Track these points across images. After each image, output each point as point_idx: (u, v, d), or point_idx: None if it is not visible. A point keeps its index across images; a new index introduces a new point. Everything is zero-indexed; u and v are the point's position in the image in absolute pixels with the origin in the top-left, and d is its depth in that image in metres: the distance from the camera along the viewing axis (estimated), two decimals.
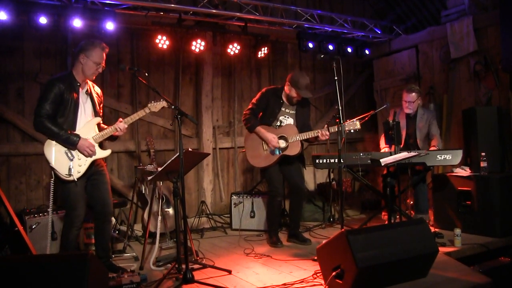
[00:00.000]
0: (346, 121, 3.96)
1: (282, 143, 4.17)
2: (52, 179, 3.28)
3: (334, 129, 3.98)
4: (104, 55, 3.41)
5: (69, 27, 4.26)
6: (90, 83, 3.48)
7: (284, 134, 4.18)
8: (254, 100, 4.34)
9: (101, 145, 3.48)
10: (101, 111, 3.61)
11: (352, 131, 4.00)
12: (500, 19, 4.81)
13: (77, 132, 3.29)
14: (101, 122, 3.50)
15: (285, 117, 4.29)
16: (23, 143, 4.62)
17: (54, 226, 4.08)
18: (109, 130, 3.40)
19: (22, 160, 4.65)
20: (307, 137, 4.10)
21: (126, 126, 3.43)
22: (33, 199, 4.68)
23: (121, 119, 3.47)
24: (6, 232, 3.81)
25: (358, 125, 3.99)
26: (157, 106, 3.48)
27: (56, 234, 4.08)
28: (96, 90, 3.56)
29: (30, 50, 4.70)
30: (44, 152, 3.23)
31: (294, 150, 4.17)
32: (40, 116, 3.18)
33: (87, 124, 3.37)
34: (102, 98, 3.63)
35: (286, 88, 4.23)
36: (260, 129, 4.20)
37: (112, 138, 3.52)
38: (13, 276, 2.40)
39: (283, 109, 4.28)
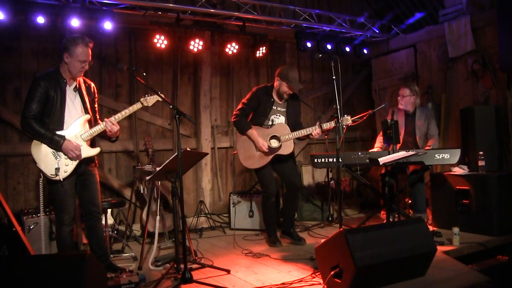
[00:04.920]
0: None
1: (275, 143, 4.13)
2: (41, 179, 3.26)
3: (326, 125, 4.00)
4: (89, 50, 3.27)
5: (67, 26, 4.24)
6: (80, 78, 3.38)
7: (276, 134, 4.14)
8: (244, 100, 4.27)
9: (93, 143, 3.42)
10: (96, 105, 3.52)
11: (344, 126, 4.00)
12: (498, 18, 4.83)
13: (65, 131, 3.22)
14: (92, 119, 3.39)
15: (277, 115, 4.24)
16: (20, 143, 4.61)
17: (52, 226, 4.08)
18: (98, 128, 3.32)
19: (20, 160, 4.64)
20: (300, 135, 4.09)
21: (114, 121, 3.31)
22: (31, 199, 4.67)
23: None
24: (4, 232, 3.80)
25: (349, 120, 3.99)
26: (149, 100, 3.40)
27: (55, 234, 4.07)
28: (87, 85, 3.45)
29: (28, 49, 4.69)
30: (31, 152, 3.18)
31: (287, 150, 4.15)
32: (26, 117, 3.13)
33: (74, 122, 3.28)
34: (95, 93, 3.52)
35: (276, 83, 4.18)
36: (252, 132, 4.16)
37: (109, 139, 3.46)
38: (11, 277, 2.40)
39: (274, 107, 4.23)
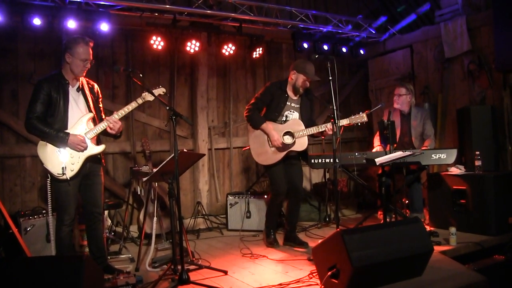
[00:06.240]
0: (354, 114, 3.97)
1: (288, 139, 4.05)
2: (49, 180, 3.28)
3: (341, 122, 3.92)
4: (90, 49, 3.34)
5: (63, 28, 4.24)
6: (83, 79, 3.43)
7: (290, 130, 4.05)
8: (258, 95, 4.17)
9: (98, 141, 3.45)
10: (101, 105, 3.55)
11: (359, 124, 3.98)
12: (493, 19, 4.85)
13: (69, 129, 3.25)
14: (96, 118, 3.42)
15: (291, 111, 4.15)
16: (17, 145, 4.60)
17: (49, 228, 4.06)
18: (101, 126, 3.35)
19: (16, 161, 4.63)
20: (314, 132, 4.01)
21: (117, 118, 3.35)
22: (28, 201, 4.66)
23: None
24: (1, 234, 3.79)
25: (365, 117, 3.94)
26: (148, 95, 3.41)
27: (52, 236, 4.06)
28: (91, 86, 3.49)
29: (24, 51, 4.68)
30: (38, 153, 3.22)
31: (301, 146, 4.07)
32: (30, 118, 3.18)
33: (78, 121, 3.31)
34: (99, 93, 3.56)
35: (291, 77, 4.10)
36: (266, 126, 4.05)
37: (114, 136, 3.47)
38: (7, 279, 2.39)
39: (288, 103, 4.14)
